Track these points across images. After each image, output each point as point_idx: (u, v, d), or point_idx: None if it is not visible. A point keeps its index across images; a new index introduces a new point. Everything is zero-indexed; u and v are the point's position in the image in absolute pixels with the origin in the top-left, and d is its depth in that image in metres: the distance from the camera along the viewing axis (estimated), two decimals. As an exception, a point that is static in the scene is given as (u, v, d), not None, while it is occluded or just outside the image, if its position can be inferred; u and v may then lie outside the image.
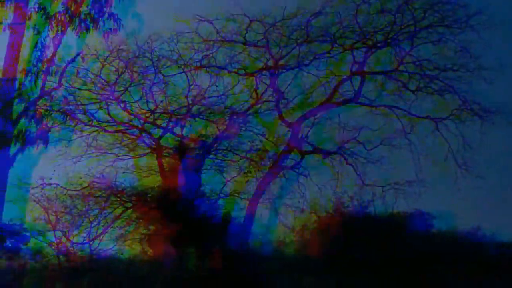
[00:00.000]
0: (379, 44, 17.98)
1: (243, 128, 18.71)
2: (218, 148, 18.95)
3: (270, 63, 18.21)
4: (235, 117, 18.62)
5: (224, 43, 17.88)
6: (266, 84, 18.46)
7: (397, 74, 18.17)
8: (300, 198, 18.20)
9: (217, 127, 18.91)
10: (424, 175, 17.74)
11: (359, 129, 18.28)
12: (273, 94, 18.42)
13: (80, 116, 17.05)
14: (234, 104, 18.70)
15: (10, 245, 18.78)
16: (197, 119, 18.95)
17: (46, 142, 11.62)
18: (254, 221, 17.94)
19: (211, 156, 19.10)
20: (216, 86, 18.53)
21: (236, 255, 18.16)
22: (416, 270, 17.07)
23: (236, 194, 18.86)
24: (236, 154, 18.88)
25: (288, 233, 18.79)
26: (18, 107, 11.03)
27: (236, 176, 18.95)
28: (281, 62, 18.20)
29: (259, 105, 18.65)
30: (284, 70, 18.35)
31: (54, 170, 17.94)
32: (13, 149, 10.89)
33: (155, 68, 18.13)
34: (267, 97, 18.60)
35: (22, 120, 10.96)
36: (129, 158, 18.65)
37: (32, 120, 11.41)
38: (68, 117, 16.24)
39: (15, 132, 10.83)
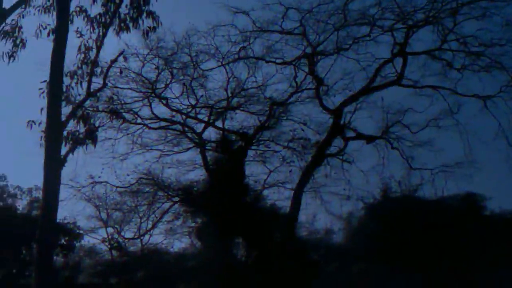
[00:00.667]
0: (420, 23, 17.34)
1: (284, 118, 18.59)
2: (260, 139, 18.92)
3: (308, 50, 17.94)
4: (275, 107, 18.48)
5: (261, 33, 17.72)
6: (305, 72, 18.23)
7: (440, 53, 17.51)
8: (346, 185, 17.95)
9: (258, 118, 18.86)
10: (474, 156, 17.10)
11: (404, 112, 17.82)
12: (313, 81, 18.15)
13: (124, 114, 17.37)
14: (273, 94, 18.60)
15: (65, 242, 19.56)
16: (237, 111, 18.98)
17: (94, 141, 11.92)
18: (300, 210, 17.81)
19: (253, 147, 19.12)
20: (255, 77, 18.47)
21: (284, 245, 18.13)
22: (468, 255, 16.59)
23: (280, 184, 18.83)
24: (278, 144, 18.83)
25: (335, 221, 18.64)
26: (66, 109, 11.39)
27: (279, 166, 18.90)
28: (319, 49, 17.90)
29: (299, 94, 18.46)
30: (322, 57, 18.04)
31: (103, 169, 18.41)
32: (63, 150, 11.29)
33: (194, 63, 18.21)
34: (307, 85, 18.39)
35: (71, 122, 11.31)
36: (174, 154, 18.88)
37: (80, 121, 11.75)
38: (114, 116, 16.59)
39: (65, 133, 11.18)
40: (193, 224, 19.38)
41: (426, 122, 17.69)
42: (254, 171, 19.07)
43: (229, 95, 18.70)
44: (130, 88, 17.52)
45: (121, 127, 17.57)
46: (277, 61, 18.10)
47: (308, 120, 18.31)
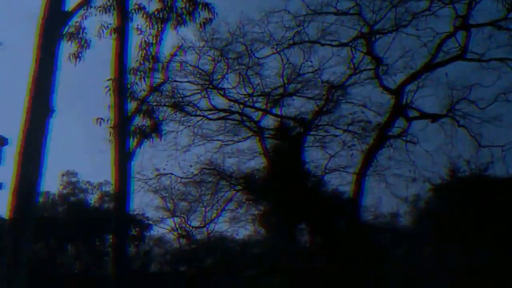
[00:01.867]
0: (483, -7, 16.39)
1: (343, 101, 18.29)
2: (318, 124, 18.74)
3: (365, 30, 17.47)
4: (333, 90, 18.20)
5: (315, 16, 17.43)
6: (362, 52, 17.77)
7: (506, 23, 16.50)
8: (411, 166, 17.44)
9: (316, 103, 18.67)
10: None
11: (470, 87, 16.98)
12: (371, 61, 17.68)
13: (185, 107, 17.77)
14: (331, 78, 18.30)
15: (135, 233, 20.36)
16: (294, 97, 18.88)
17: (159, 135, 12.31)
18: (364, 194, 17.53)
19: (312, 132, 18.98)
20: (311, 61, 18.23)
21: (349, 230, 17.94)
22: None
23: (341, 169, 18.59)
24: (338, 128, 18.56)
25: (401, 204, 18.18)
26: (131, 105, 11.83)
27: (339, 151, 18.65)
28: (376, 28, 17.38)
29: (357, 75, 18.06)
30: (380, 35, 17.50)
31: (167, 161, 18.96)
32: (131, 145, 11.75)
33: (249, 52, 18.25)
34: (365, 66, 17.94)
35: (137, 117, 11.72)
36: (234, 143, 19.10)
37: (145, 116, 12.14)
38: (176, 109, 17.04)
39: (132, 128, 11.61)
40: (256, 212, 19.61)
41: (494, 96, 16.80)
42: (314, 156, 18.96)
43: (285, 81, 18.62)
44: (189, 81, 17.90)
45: (182, 119, 18.04)
46: (333, 43, 17.76)
47: (368, 102, 17.90)
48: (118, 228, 11.96)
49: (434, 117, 17.48)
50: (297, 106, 18.73)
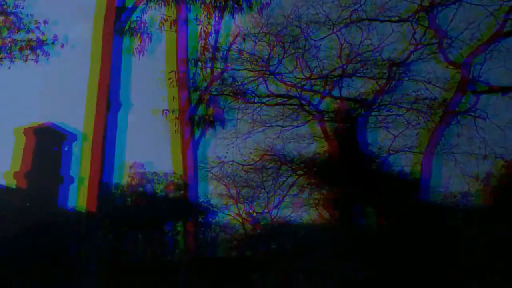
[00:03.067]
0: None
1: (405, 78, 17.67)
2: (380, 103, 18.24)
3: (426, 2, 16.72)
4: (394, 68, 17.63)
5: (373, -7, 16.90)
6: (424, 26, 17.05)
7: None
8: (481, 143, 16.64)
9: (377, 82, 18.16)
10: None
11: (544, 56, 15.89)
12: (434, 35, 16.93)
13: (243, 95, 17.87)
14: (391, 55, 17.73)
15: (202, 220, 20.89)
16: (353, 77, 18.47)
17: (222, 123, 12.46)
18: (432, 174, 16.94)
19: (374, 113, 18.52)
20: (370, 39, 17.73)
21: (417, 211, 17.45)
22: None
23: (407, 149, 18.05)
24: (401, 107, 17.99)
25: (472, 183, 17.42)
26: (194, 94, 12.03)
27: (404, 130, 18.10)
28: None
29: (420, 51, 17.37)
30: (442, 7, 16.70)
31: (227, 149, 19.21)
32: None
33: (305, 34, 18.02)
34: (428, 40, 17.20)
35: (200, 106, 11.91)
36: (293, 128, 19.02)
37: (208, 105, 12.32)
38: (236, 97, 17.18)
39: (196, 118, 11.83)
40: (319, 196, 19.49)
41: None
42: (377, 138, 18.54)
43: (344, 62, 18.26)
44: (246, 69, 17.96)
45: (241, 107, 18.18)
46: (392, 19, 17.18)
47: (432, 78, 17.23)
48: (188, 215, 12.25)
49: (504, 90, 16.54)
50: (357, 86, 18.38)
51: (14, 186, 18.65)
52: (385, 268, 16.30)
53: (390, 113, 18.16)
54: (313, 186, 19.25)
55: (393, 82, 17.71)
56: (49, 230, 17.12)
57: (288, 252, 20.00)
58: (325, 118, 18.77)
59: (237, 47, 15.42)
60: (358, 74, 18.41)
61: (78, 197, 15.59)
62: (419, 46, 17.19)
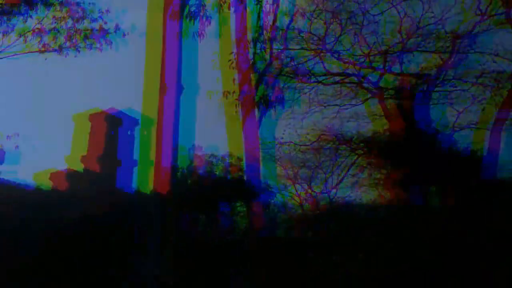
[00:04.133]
0: None
1: (471, 51, 16.82)
2: (444, 78, 17.51)
3: (492, -31, 15.76)
4: (458, 41, 16.82)
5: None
6: (491, -6, 16.10)
7: None
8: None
9: (439, 56, 17.42)
10: None
11: None
12: (502, 4, 15.94)
13: (304, 74, 17.70)
14: (455, 27, 16.88)
15: (261, 201, 21.10)
16: (414, 52, 17.81)
17: (282, 103, 12.42)
18: (500, 151, 16.16)
19: (437, 88, 17.84)
20: (432, 12, 16.95)
21: (484, 189, 16.75)
22: None
23: (472, 125, 17.29)
24: (466, 82, 17.18)
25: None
26: (253, 75, 12.05)
27: (469, 106, 17.32)
28: (507, -37, 15.59)
29: (486, 22, 16.43)
30: (511, -27, 15.68)
31: (284, 130, 19.16)
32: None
33: (362, 9, 17.50)
34: (495, 10, 16.22)
35: (260, 86, 11.92)
36: (352, 106, 18.65)
37: (267, 85, 12.31)
38: (294, 77, 17.06)
39: (257, 98, 11.86)
40: (379, 176, 19.14)
41: None
42: (440, 114, 17.86)
43: (404, 36, 17.59)
44: (303, 48, 17.72)
45: (298, 86, 18.00)
46: (455, -12, 16.34)
47: (500, 50, 16.25)
48: (247, 196, 12.36)
49: None
50: (419, 61, 17.67)
51: (78, 169, 19.61)
52: (448, 249, 15.87)
53: (454, 88, 17.40)
54: (373, 166, 18.90)
55: (457, 56, 16.91)
56: (115, 211, 17.93)
57: (348, 232, 19.87)
58: (385, 96, 18.28)
59: (294, 26, 15.24)
60: (419, 49, 17.72)
61: (142, 179, 16.18)
62: (485, 17, 16.26)
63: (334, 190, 20.86)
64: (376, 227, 19.81)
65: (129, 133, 28.85)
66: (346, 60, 18.28)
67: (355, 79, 18.64)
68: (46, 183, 23.66)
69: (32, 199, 18.41)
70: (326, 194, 21.24)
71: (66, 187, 18.49)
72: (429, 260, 16.34)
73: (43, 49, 16.54)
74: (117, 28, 16.05)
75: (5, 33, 15.98)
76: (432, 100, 17.78)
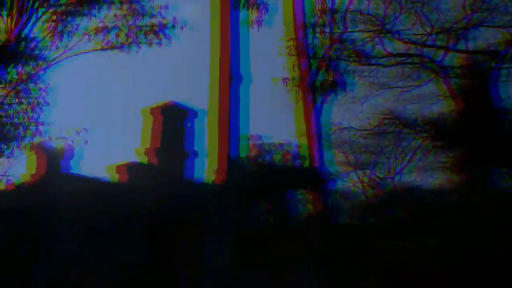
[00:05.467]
0: None
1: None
2: (515, 54, 16.52)
3: None
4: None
5: None
6: None
7: None
8: None
9: (508, 31, 16.43)
10: None
11: None
12: None
13: (364, 56, 17.26)
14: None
15: (323, 188, 20.91)
16: (480, 28, 16.89)
17: (344, 88, 12.18)
18: None
19: (506, 65, 16.87)
20: (498, -16, 15.98)
21: None
22: None
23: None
24: (540, 56, 16.12)
25: None
26: (313, 60, 11.89)
27: (543, 82, 16.25)
28: None
29: None
30: None
31: (344, 115, 18.79)
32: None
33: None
34: None
35: (321, 71, 11.73)
36: (415, 88, 17.99)
37: (328, 70, 12.10)
38: (355, 59, 16.67)
39: (317, 83, 11.70)
40: (446, 159, 18.42)
41: None
42: (510, 92, 16.89)
43: (469, 12, 16.73)
44: (362, 30, 17.26)
45: (358, 69, 17.58)
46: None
47: None
48: (309, 184, 12.24)
49: None
50: (485, 37, 16.76)
51: (145, 162, 20.25)
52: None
53: (525, 65, 16.40)
54: (440, 149, 18.21)
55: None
56: (180, 202, 18.42)
57: (414, 218, 19.31)
58: (450, 75, 17.50)
59: (352, 7, 14.87)
60: (485, 24, 16.79)
61: (204, 170, 16.49)
62: None
63: (398, 176, 20.32)
64: (444, 212, 19.15)
65: (189, 125, 29.50)
66: (407, 40, 17.64)
67: (417, 59, 17.96)
68: (116, 176, 24.71)
69: (105, 192, 19.30)
70: (390, 180, 20.72)
71: (136, 179, 19.17)
72: (501, 246, 15.64)
73: (106, 46, 17.17)
74: (175, 22, 16.40)
75: (70, 33, 16.73)
76: (501, 78, 16.85)
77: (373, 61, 17.68)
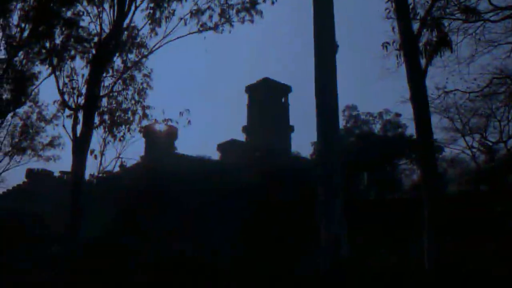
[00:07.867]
0: None
1: None
2: None
3: None
4: None
5: None
6: None
7: None
8: None
9: None
10: None
11: None
12: None
13: (465, 14, 15.91)
14: None
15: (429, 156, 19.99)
16: None
17: (450, 47, 11.36)
18: None
19: None
20: None
21: None
22: None
23: None
24: None
25: None
26: (414, 21, 11.23)
27: None
28: None
29: None
30: None
31: (448, 78, 17.65)
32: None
33: None
34: None
35: (422, 32, 11.06)
36: (528, 42, 16.26)
37: (432, 30, 11.37)
38: (456, 18, 15.44)
39: (420, 45, 11.03)
40: None
41: None
42: None
43: None
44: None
45: (462, 28, 16.23)
46: None
47: None
48: (412, 153, 11.64)
49: None
50: None
51: (253, 139, 20.77)
52: None
53: None
54: None
55: None
56: (287, 175, 18.63)
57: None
58: None
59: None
60: None
61: (300, 144, 16.36)
62: None
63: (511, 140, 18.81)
64: None
65: (283, 100, 29.74)
66: (517, -10, 15.88)
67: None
68: (221, 154, 25.68)
69: (212, 168, 20.13)
70: (503, 144, 19.27)
71: (242, 156, 19.71)
72: None
73: (202, 29, 17.57)
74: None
75: (167, 19, 17.33)
76: None
77: (479, 17, 16.23)
